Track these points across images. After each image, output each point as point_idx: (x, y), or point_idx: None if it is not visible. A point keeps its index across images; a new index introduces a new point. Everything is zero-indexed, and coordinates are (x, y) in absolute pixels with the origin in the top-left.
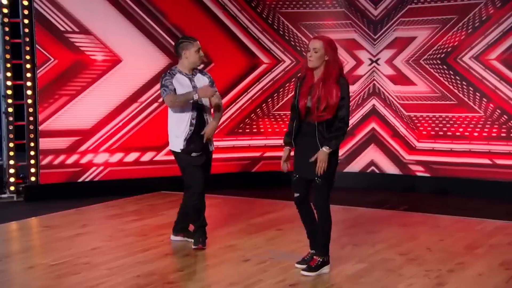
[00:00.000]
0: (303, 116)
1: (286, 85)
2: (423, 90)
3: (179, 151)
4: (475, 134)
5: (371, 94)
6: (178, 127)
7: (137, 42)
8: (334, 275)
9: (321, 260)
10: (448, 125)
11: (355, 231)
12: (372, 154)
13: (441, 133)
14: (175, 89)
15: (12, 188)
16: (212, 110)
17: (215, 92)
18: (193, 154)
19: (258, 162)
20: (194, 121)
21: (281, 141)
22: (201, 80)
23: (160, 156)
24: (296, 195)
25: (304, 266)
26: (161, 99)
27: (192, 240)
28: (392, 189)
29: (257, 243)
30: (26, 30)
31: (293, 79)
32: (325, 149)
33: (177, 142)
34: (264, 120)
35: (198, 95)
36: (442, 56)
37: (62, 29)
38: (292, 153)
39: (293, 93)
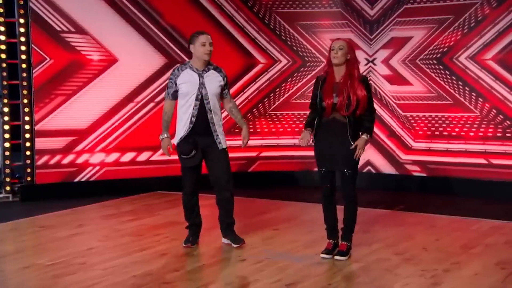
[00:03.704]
0: (329, 113)
1: (283, 85)
2: (419, 90)
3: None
4: (471, 134)
5: None
6: (179, 123)
7: (133, 42)
8: (330, 275)
9: (349, 244)
10: (444, 125)
11: None
12: (368, 154)
13: (437, 133)
14: (175, 92)
15: (8, 188)
16: (230, 112)
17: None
18: (183, 156)
19: (254, 162)
20: (194, 119)
21: (277, 141)
22: (213, 77)
23: (156, 156)
24: (326, 186)
25: (330, 256)
26: (157, 99)
27: (234, 244)
28: (388, 189)
29: (253, 243)
30: (22, 30)
31: (289, 79)
32: (364, 137)
33: (176, 138)
34: (261, 120)
35: (162, 144)
36: (438, 56)
37: (58, 28)
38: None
39: (289, 92)
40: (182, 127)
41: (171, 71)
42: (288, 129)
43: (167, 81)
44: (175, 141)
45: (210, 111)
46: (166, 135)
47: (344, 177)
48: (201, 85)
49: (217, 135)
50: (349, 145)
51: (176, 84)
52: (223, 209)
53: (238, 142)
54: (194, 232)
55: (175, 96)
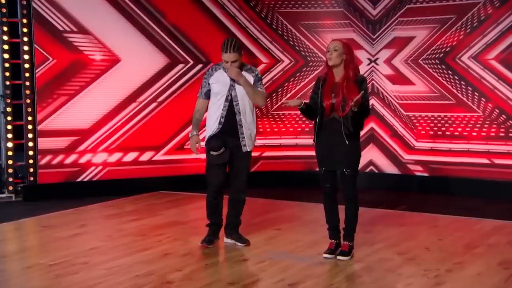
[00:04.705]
0: (328, 114)
1: (285, 85)
2: (421, 89)
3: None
4: (474, 133)
5: (369, 94)
6: (210, 120)
7: (136, 42)
8: (332, 275)
9: (351, 244)
10: (446, 125)
11: None
12: (371, 154)
13: (439, 132)
14: (208, 91)
15: (10, 188)
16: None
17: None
18: (212, 152)
19: (257, 162)
20: (222, 120)
21: (279, 141)
22: (246, 77)
23: (159, 156)
24: (327, 185)
25: (332, 256)
26: (160, 99)
27: (239, 244)
28: (390, 189)
29: (256, 243)
30: (25, 30)
31: (292, 79)
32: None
33: (206, 135)
34: (263, 120)
35: (191, 141)
36: (441, 56)
37: (60, 28)
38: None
39: (292, 92)
40: (212, 125)
41: (205, 70)
42: (290, 129)
43: (202, 81)
44: (204, 137)
45: (239, 113)
46: (195, 133)
47: (344, 176)
48: (231, 87)
49: (243, 138)
50: (347, 145)
51: (209, 84)
52: (234, 209)
53: None
54: (214, 232)
55: (208, 95)
